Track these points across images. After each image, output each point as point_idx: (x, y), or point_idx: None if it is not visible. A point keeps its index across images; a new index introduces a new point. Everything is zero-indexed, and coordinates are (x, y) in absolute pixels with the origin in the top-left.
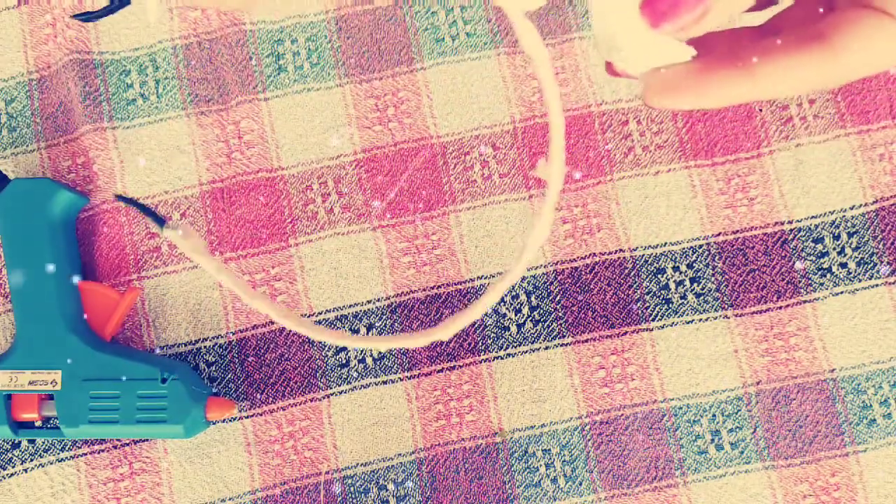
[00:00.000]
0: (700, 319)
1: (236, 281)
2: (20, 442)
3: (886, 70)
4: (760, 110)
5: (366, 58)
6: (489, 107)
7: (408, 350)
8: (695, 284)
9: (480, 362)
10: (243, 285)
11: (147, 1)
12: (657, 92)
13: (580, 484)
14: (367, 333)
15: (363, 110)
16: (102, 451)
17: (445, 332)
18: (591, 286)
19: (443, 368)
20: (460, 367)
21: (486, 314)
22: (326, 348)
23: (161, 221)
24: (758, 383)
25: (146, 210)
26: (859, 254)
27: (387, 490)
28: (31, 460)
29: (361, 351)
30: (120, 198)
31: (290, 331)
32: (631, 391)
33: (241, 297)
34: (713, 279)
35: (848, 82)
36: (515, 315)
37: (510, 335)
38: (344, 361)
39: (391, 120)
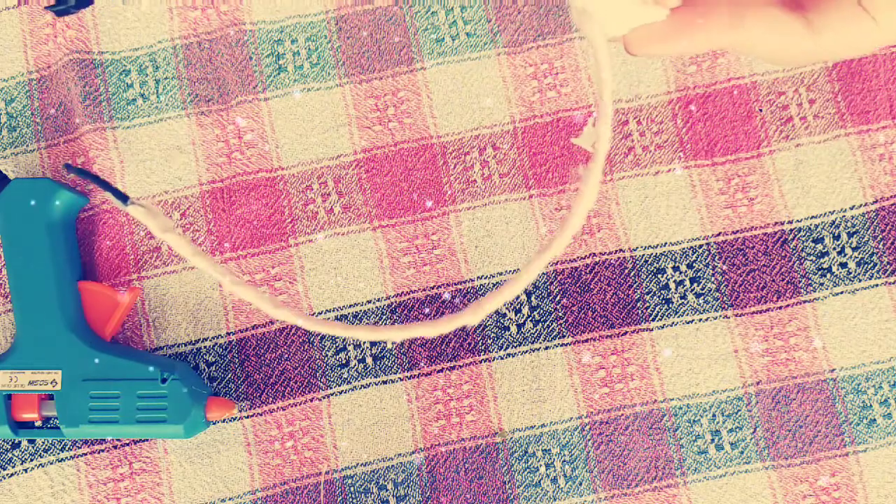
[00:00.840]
0: (700, 319)
1: (215, 267)
2: (20, 442)
3: (863, 55)
4: (760, 110)
5: (366, 58)
6: (489, 107)
7: (408, 350)
8: (695, 284)
9: (480, 362)
10: (224, 272)
11: None
12: (643, 39)
13: (580, 484)
14: None
15: (363, 110)
16: (102, 451)
17: (474, 316)
18: (591, 286)
19: (443, 368)
20: (460, 367)
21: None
22: (326, 348)
23: (124, 198)
24: (758, 383)
25: (105, 185)
26: (859, 254)
27: (387, 490)
28: (31, 460)
29: (362, 350)
30: (69, 168)
31: (290, 331)
32: (631, 391)
33: (222, 283)
34: (713, 279)
35: (824, 61)
36: (515, 315)
37: (510, 335)
38: (344, 361)
39: (391, 120)
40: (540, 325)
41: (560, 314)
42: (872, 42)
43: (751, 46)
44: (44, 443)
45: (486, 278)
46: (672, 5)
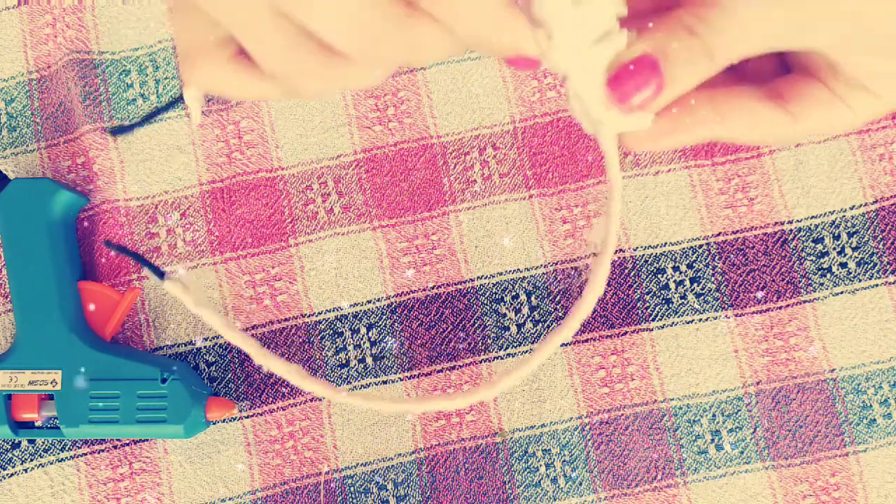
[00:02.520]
0: (700, 319)
1: (245, 340)
2: (20, 442)
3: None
4: None
5: None
6: (489, 107)
7: (407, 350)
8: (695, 284)
9: (480, 362)
10: (253, 344)
11: (191, 106)
12: (637, 141)
13: (580, 484)
14: (367, 333)
15: (363, 110)
16: (102, 451)
17: (490, 391)
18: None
19: (442, 368)
20: (460, 367)
21: (485, 314)
22: (326, 348)
23: (160, 274)
24: (758, 383)
25: (143, 261)
26: (859, 254)
27: (387, 490)
28: (31, 460)
29: (362, 351)
30: (109, 244)
31: (290, 331)
32: (631, 391)
33: (252, 356)
34: (713, 279)
35: (800, 141)
36: (515, 315)
37: (510, 335)
38: (344, 362)
39: (391, 120)
40: (540, 325)
41: (560, 314)
42: (848, 126)
43: (734, 138)
44: (44, 443)
45: (485, 278)
46: (656, 110)
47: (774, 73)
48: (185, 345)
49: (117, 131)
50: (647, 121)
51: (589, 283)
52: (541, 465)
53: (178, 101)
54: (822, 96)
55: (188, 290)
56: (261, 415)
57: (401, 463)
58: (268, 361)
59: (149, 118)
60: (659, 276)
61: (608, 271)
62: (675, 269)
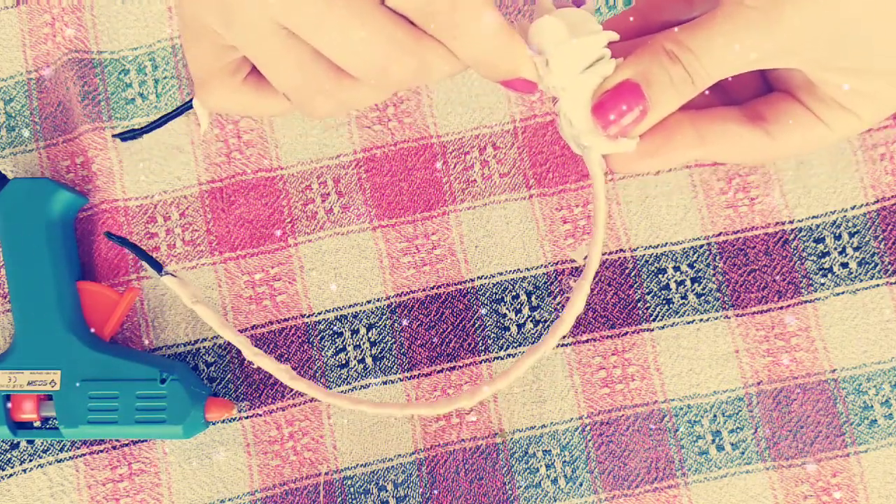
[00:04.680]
0: (701, 319)
1: (238, 337)
2: (19, 442)
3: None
4: None
5: None
6: (489, 106)
7: (408, 350)
8: (695, 284)
9: (480, 363)
10: (244, 342)
11: (200, 115)
12: (622, 163)
13: (581, 485)
14: (367, 333)
15: (363, 110)
16: (101, 451)
17: (471, 399)
18: (592, 286)
19: (443, 369)
20: (460, 367)
21: (485, 314)
22: (326, 348)
23: (158, 267)
24: (759, 383)
25: (142, 253)
26: (860, 254)
27: (386, 491)
28: (30, 461)
29: (361, 351)
30: (111, 236)
31: (290, 331)
32: (631, 391)
33: (243, 352)
34: (714, 279)
35: (780, 160)
36: (515, 315)
37: (510, 335)
38: (344, 362)
39: (391, 119)
40: (540, 325)
41: (560, 314)
42: (827, 143)
43: (715, 158)
44: (42, 443)
45: (485, 278)
46: (638, 134)
47: (755, 87)
48: (185, 345)
49: (126, 137)
50: (632, 144)
51: (569, 302)
52: (541, 466)
53: (187, 106)
54: (800, 116)
55: (185, 285)
56: (260, 415)
57: (401, 464)
58: (259, 360)
59: (157, 124)
60: (660, 276)
61: (588, 291)
62: (676, 269)
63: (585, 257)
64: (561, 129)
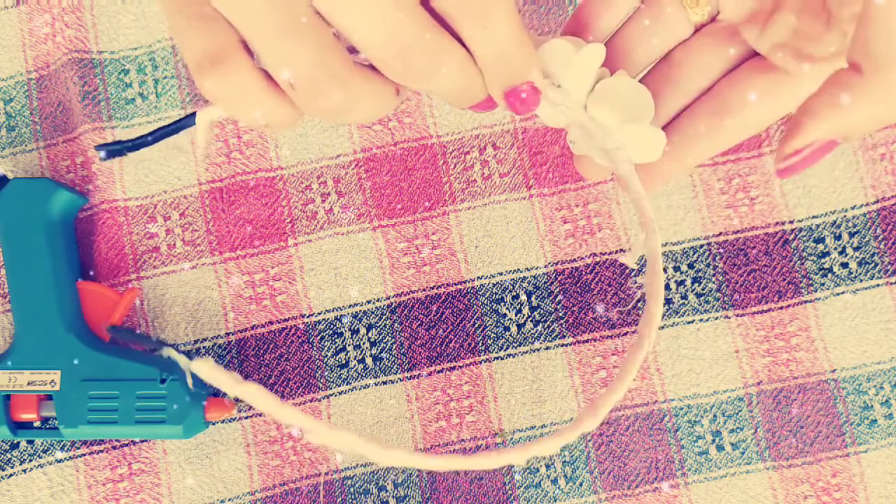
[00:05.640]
0: (701, 320)
1: (299, 415)
2: (19, 443)
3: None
4: None
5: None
6: None
7: (408, 350)
8: (696, 284)
9: (480, 363)
10: (310, 419)
11: (200, 130)
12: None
13: (580, 485)
14: (367, 333)
15: (365, 121)
16: (101, 451)
17: (522, 455)
18: (592, 286)
19: (443, 369)
20: (460, 367)
21: (485, 314)
22: (326, 349)
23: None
24: (759, 384)
25: (143, 339)
26: (860, 254)
27: (386, 491)
28: (30, 461)
29: (361, 351)
30: (114, 329)
31: (290, 331)
32: (631, 392)
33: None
34: (714, 279)
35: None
36: (515, 315)
37: (510, 335)
38: (344, 362)
39: (391, 119)
40: (540, 325)
41: (560, 314)
42: (798, 97)
43: (704, 157)
44: (42, 443)
45: (485, 278)
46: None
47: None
48: (185, 345)
49: (132, 148)
50: (662, 137)
51: (650, 295)
52: (541, 466)
53: (189, 119)
54: (765, 85)
55: (221, 370)
56: (260, 415)
57: None
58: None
59: (160, 136)
60: None
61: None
62: (676, 269)
63: (641, 257)
64: (575, 145)
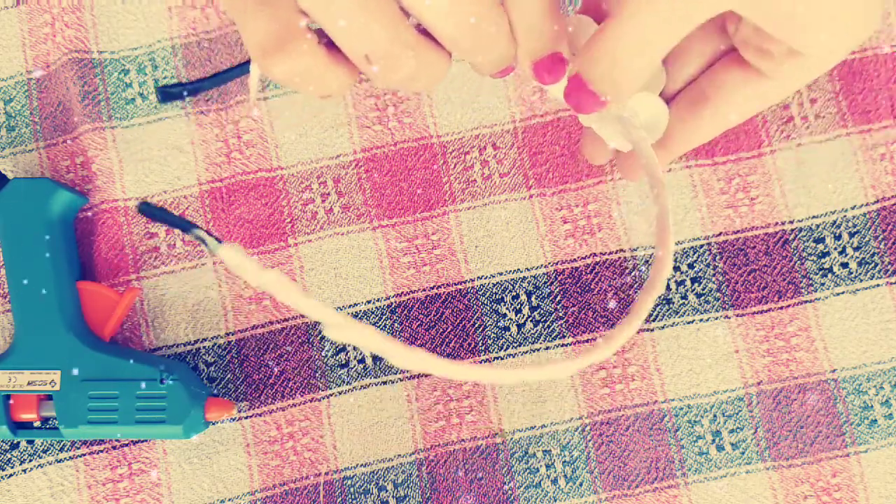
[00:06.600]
0: (701, 320)
1: (320, 308)
2: (19, 443)
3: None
4: None
5: None
6: (489, 106)
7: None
8: (696, 284)
9: (480, 362)
10: (331, 312)
11: (252, 82)
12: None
13: (581, 485)
14: None
15: (363, 110)
16: (101, 451)
17: (607, 349)
18: (592, 286)
19: None
20: None
21: (485, 314)
22: (326, 348)
23: (216, 240)
24: (759, 383)
25: (191, 226)
26: (860, 254)
27: (386, 491)
28: (30, 461)
29: (361, 351)
30: (144, 207)
31: (290, 331)
32: (631, 392)
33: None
34: (714, 279)
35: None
36: (515, 315)
37: (510, 335)
38: (343, 362)
39: (391, 119)
40: (540, 325)
41: (560, 314)
42: (776, 96)
43: (688, 147)
44: (42, 443)
45: (486, 278)
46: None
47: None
48: (185, 345)
49: (192, 92)
50: (663, 126)
51: (660, 244)
52: (541, 466)
53: (244, 66)
54: (736, 79)
55: (247, 258)
56: (260, 415)
57: (401, 464)
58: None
59: (218, 81)
60: None
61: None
62: (676, 268)
63: (643, 259)
64: (602, 130)
